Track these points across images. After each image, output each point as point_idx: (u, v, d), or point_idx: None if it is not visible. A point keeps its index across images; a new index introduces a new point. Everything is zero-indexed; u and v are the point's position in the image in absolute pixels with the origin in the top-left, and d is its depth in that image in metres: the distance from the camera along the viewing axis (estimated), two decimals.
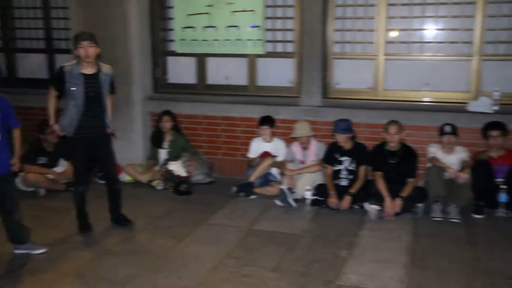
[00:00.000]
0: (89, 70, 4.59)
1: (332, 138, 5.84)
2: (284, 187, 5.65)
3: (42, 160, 6.21)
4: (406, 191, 5.28)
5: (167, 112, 6.49)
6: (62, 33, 7.39)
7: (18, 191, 5.85)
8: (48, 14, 7.38)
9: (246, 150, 6.40)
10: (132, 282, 3.93)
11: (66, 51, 7.27)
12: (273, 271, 4.11)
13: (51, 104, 4.72)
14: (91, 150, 4.75)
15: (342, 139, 5.57)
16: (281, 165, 5.97)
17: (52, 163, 6.27)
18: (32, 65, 7.69)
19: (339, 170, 5.67)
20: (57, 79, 4.59)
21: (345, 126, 5.59)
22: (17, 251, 4.43)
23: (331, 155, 5.71)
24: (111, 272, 4.10)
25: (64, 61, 7.17)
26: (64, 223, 5.09)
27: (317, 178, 5.81)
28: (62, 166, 6.31)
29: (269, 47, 6.58)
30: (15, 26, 7.61)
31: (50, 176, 6.16)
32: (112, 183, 4.96)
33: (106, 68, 4.72)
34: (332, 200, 5.45)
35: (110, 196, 5.01)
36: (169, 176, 6.21)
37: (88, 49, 4.49)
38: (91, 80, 4.59)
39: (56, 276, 4.02)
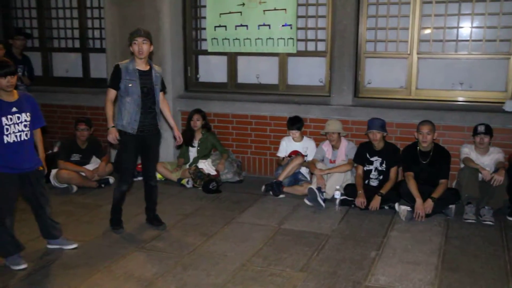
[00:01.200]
0: (143, 67, 4.64)
1: (364, 137, 5.77)
2: (313, 186, 5.61)
3: (75, 157, 6.33)
4: (438, 192, 5.18)
5: (198, 111, 6.53)
6: (96, 32, 7.51)
7: (51, 187, 6.02)
8: (83, 14, 7.52)
9: (276, 149, 6.39)
10: (161, 279, 3.96)
11: (100, 50, 7.40)
12: (301, 271, 4.08)
13: (110, 107, 4.66)
14: (140, 147, 4.76)
15: (377, 137, 5.49)
16: (310, 164, 5.94)
17: (85, 160, 6.38)
18: (66, 64, 7.85)
19: (369, 170, 5.60)
20: (115, 77, 4.60)
21: (381, 123, 5.52)
22: (49, 246, 4.53)
23: (362, 155, 5.64)
24: (141, 268, 4.15)
25: (97, 60, 7.42)
26: (95, 220, 5.17)
27: (346, 178, 5.76)
28: (95, 164, 6.42)
29: (300, 46, 6.54)
30: (51, 26, 7.77)
31: (82, 173, 6.27)
32: (148, 179, 4.98)
33: (157, 67, 4.80)
34: (361, 200, 5.39)
35: (147, 194, 5.04)
36: (198, 174, 6.24)
37: (142, 46, 4.53)
38: (145, 77, 4.64)
39: (87, 271, 4.09)
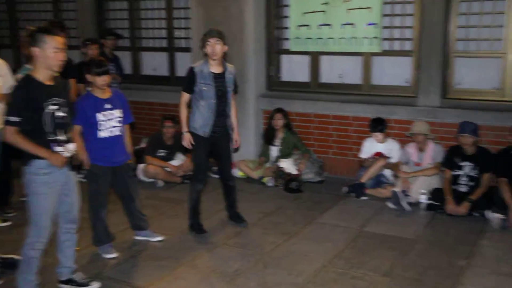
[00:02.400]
0: (217, 69, 4.62)
1: (452, 140, 5.53)
2: (397, 189, 5.46)
3: (161, 153, 6.54)
4: None
5: (280, 110, 6.54)
6: (183, 32, 7.72)
7: (139, 181, 6.25)
8: (170, 15, 7.75)
9: (358, 150, 6.27)
10: (242, 275, 4.01)
11: (186, 50, 7.60)
12: (384, 276, 3.98)
13: (184, 111, 4.68)
14: (212, 147, 4.80)
15: (469, 142, 5.23)
16: (394, 166, 5.77)
17: (170, 156, 6.58)
18: (154, 63, 8.13)
19: (458, 176, 5.36)
20: (190, 81, 4.60)
21: (473, 127, 5.27)
22: (137, 237, 4.72)
23: (450, 159, 5.41)
24: (223, 264, 4.22)
25: (183, 59, 7.63)
26: (179, 214, 5.31)
27: (433, 181, 5.55)
28: (179, 160, 6.60)
29: (386, 45, 6.38)
30: (141, 27, 8.08)
31: (168, 168, 6.46)
32: (226, 180, 5.03)
33: (230, 67, 4.77)
34: (450, 206, 5.17)
35: (225, 193, 5.10)
36: (279, 173, 6.26)
37: (215, 47, 4.50)
38: (220, 79, 4.63)
39: (172, 264, 4.22)
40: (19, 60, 8.90)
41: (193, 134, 4.68)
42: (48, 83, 3.43)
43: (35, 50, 3.34)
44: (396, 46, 6.40)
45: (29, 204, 3.48)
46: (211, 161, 5.05)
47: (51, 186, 3.47)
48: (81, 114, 4.10)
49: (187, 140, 4.68)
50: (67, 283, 3.82)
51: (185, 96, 4.67)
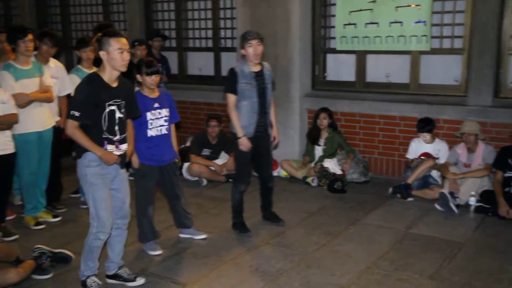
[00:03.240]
0: (255, 68, 4.63)
1: (504, 141, 5.34)
2: (445, 191, 5.31)
3: (206, 152, 6.61)
4: None
5: (325, 109, 6.49)
6: (228, 32, 7.78)
7: (183, 180, 6.34)
8: (216, 15, 7.82)
9: (405, 150, 6.14)
10: (285, 275, 4.00)
11: (231, 49, 7.65)
12: (430, 279, 3.89)
13: (235, 115, 4.59)
14: (254, 147, 4.77)
15: None
16: (442, 167, 5.62)
17: (215, 155, 6.64)
18: (200, 63, 8.22)
19: (510, 178, 5.16)
20: (233, 81, 4.57)
21: None
22: (181, 235, 4.78)
23: (503, 160, 5.21)
24: (266, 263, 4.22)
25: (228, 59, 7.68)
26: (223, 213, 5.34)
27: (483, 183, 5.37)
28: (223, 159, 6.65)
29: (435, 44, 6.23)
30: (187, 27, 8.19)
31: (212, 167, 6.52)
32: (266, 181, 5.01)
33: (266, 65, 4.78)
34: (504, 209, 4.98)
35: (263, 193, 5.09)
36: (323, 173, 6.21)
37: (257, 48, 4.51)
38: (259, 78, 4.63)
39: (215, 262, 4.25)
40: (71, 61, 9.21)
41: (235, 136, 4.66)
42: (112, 84, 3.59)
43: (103, 54, 3.50)
44: (446, 44, 6.23)
45: (87, 196, 3.65)
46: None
47: (103, 177, 3.61)
48: None
49: (245, 145, 4.62)
50: (113, 277, 3.92)
51: (232, 98, 4.60)
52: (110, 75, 3.57)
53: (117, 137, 3.64)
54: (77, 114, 3.46)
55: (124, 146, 3.70)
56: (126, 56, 3.54)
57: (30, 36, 4.76)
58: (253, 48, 4.51)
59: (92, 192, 3.60)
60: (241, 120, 4.62)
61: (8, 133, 4.59)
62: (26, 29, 4.79)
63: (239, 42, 4.63)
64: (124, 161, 3.73)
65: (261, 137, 4.77)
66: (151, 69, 4.21)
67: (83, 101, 3.49)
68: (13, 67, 4.77)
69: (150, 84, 4.24)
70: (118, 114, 3.62)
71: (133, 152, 4.01)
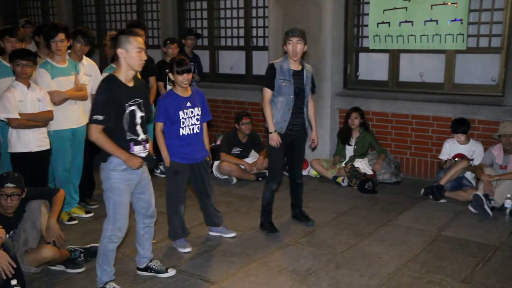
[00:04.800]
0: (295, 67, 4.61)
1: None
2: (479, 193, 5.19)
3: (236, 150, 6.62)
4: None
5: (356, 109, 6.43)
6: (260, 31, 7.78)
7: (213, 178, 6.37)
8: (248, 14, 7.83)
9: (438, 151, 6.04)
10: (314, 275, 3.97)
11: (262, 48, 7.65)
12: (463, 283, 3.81)
13: (269, 109, 4.58)
14: (288, 146, 4.77)
15: None
16: (477, 169, 5.49)
17: (245, 154, 6.65)
18: (231, 62, 8.25)
19: None
20: (271, 77, 4.55)
21: None
22: (211, 233, 4.80)
23: None
24: (294, 262, 4.20)
25: (259, 58, 7.68)
26: (252, 211, 5.35)
27: None
28: (253, 157, 6.65)
29: (471, 42, 6.09)
30: (219, 26, 8.23)
31: (242, 166, 6.53)
32: (295, 177, 5.00)
33: (308, 66, 4.75)
34: None
35: (293, 191, 5.08)
36: (354, 173, 6.15)
37: (296, 46, 4.48)
38: (297, 77, 4.61)
39: (244, 260, 4.26)
40: (106, 60, 9.36)
41: (268, 130, 4.67)
42: (129, 84, 3.58)
43: (121, 52, 3.50)
44: (483, 43, 6.09)
45: (106, 199, 3.63)
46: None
47: (127, 183, 3.61)
48: (163, 111, 4.24)
49: (275, 140, 4.61)
50: (145, 270, 3.98)
51: (268, 93, 4.60)
52: (126, 75, 3.55)
53: (141, 136, 3.64)
54: (100, 118, 3.44)
55: (148, 145, 3.71)
56: (144, 56, 3.55)
57: (61, 36, 4.79)
58: (292, 46, 4.49)
59: (114, 196, 3.58)
60: (275, 115, 4.62)
61: (43, 130, 4.71)
62: (57, 29, 4.83)
63: (283, 38, 4.61)
64: (151, 160, 3.74)
65: (298, 137, 4.76)
66: (182, 67, 4.23)
67: (104, 103, 3.46)
68: (50, 65, 4.87)
69: (181, 83, 4.27)
70: (139, 114, 3.61)
71: (164, 148, 4.03)
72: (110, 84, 3.54)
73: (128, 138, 3.57)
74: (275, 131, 4.61)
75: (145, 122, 3.71)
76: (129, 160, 3.53)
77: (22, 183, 3.88)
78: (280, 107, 4.61)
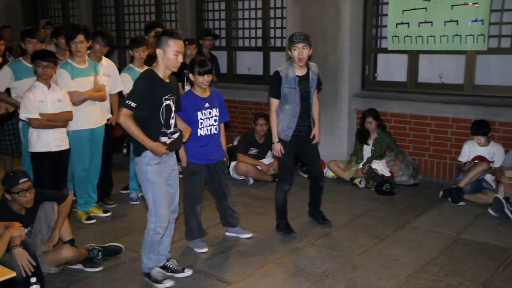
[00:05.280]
0: (301, 72, 4.58)
1: None
2: (500, 195, 5.12)
3: (253, 151, 6.62)
4: None
5: (370, 112, 6.33)
6: (278, 31, 7.77)
7: (230, 178, 6.38)
8: (266, 14, 7.82)
9: (457, 153, 5.97)
10: (330, 277, 3.96)
11: (280, 49, 7.64)
12: (483, 286, 3.77)
13: (275, 119, 4.59)
14: (297, 147, 4.77)
15: None
16: (497, 171, 5.41)
17: (262, 155, 6.64)
18: (249, 62, 8.25)
19: None
20: (277, 86, 4.54)
21: None
22: (227, 233, 4.81)
23: None
24: (311, 264, 4.19)
25: (277, 58, 7.67)
26: (269, 212, 5.33)
27: None
28: (270, 158, 6.65)
29: (492, 43, 6.01)
30: (237, 27, 8.24)
31: (259, 166, 6.53)
32: (317, 180, 4.98)
33: (313, 67, 4.69)
34: None
35: (312, 192, 5.06)
36: (372, 174, 6.10)
37: (302, 52, 4.44)
38: (303, 82, 4.59)
39: (260, 261, 4.25)
40: (124, 60, 9.44)
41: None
42: (166, 80, 3.73)
43: (159, 52, 3.62)
44: (505, 43, 6.00)
45: (145, 192, 3.75)
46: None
47: (162, 175, 3.74)
48: (182, 111, 4.24)
49: (277, 150, 4.64)
50: (162, 269, 4.00)
51: (275, 103, 4.59)
52: (163, 72, 3.69)
53: (171, 129, 3.76)
54: (133, 104, 3.57)
55: (176, 135, 3.78)
56: (180, 59, 3.65)
57: (80, 37, 4.83)
58: (298, 52, 4.44)
59: (152, 189, 3.71)
60: (282, 123, 4.62)
61: (63, 130, 4.76)
62: (77, 30, 4.87)
63: (287, 43, 4.57)
64: (176, 145, 3.82)
65: (306, 137, 4.75)
66: (203, 68, 4.23)
67: (141, 93, 3.62)
68: (70, 65, 4.93)
69: (201, 84, 4.27)
70: (173, 108, 3.76)
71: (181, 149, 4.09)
72: (149, 77, 3.68)
73: (162, 130, 3.69)
74: (278, 141, 4.62)
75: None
76: (154, 148, 3.64)
77: (29, 175, 3.95)
78: (286, 115, 4.61)
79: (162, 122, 3.68)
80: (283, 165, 4.80)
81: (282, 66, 4.63)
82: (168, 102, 3.70)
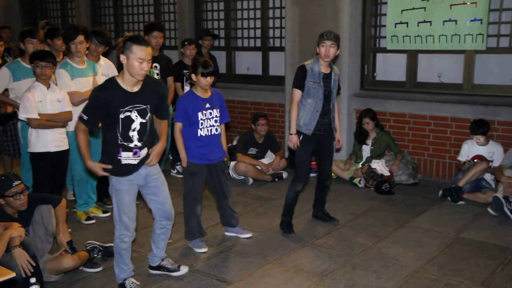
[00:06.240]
0: (325, 69, 4.63)
1: None
2: (499, 195, 5.13)
3: (252, 151, 6.62)
4: None
5: (367, 113, 6.33)
6: (277, 31, 7.77)
7: (230, 179, 6.37)
8: (265, 14, 7.82)
9: (456, 152, 5.97)
10: (330, 276, 3.96)
11: (279, 49, 7.64)
12: (482, 286, 3.76)
13: (295, 111, 4.62)
14: (316, 146, 4.77)
15: None
16: (497, 170, 5.42)
17: (261, 154, 6.64)
18: (248, 62, 8.25)
19: None
20: (302, 78, 4.57)
21: None
22: (227, 233, 4.81)
23: None
24: (311, 263, 4.19)
25: (276, 58, 7.68)
26: (268, 212, 5.35)
27: None
28: (269, 158, 6.65)
29: (491, 42, 6.01)
30: (236, 27, 8.24)
31: (258, 166, 6.53)
32: (324, 179, 4.99)
33: (336, 70, 4.76)
34: None
35: (318, 191, 5.07)
36: (371, 174, 6.11)
37: (329, 49, 4.49)
38: (327, 79, 4.63)
39: (260, 261, 4.25)
40: None
41: (297, 132, 4.68)
42: (132, 89, 3.47)
43: (123, 58, 3.40)
44: (503, 43, 6.01)
45: (112, 200, 3.69)
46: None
47: (128, 183, 3.61)
48: (182, 112, 4.25)
49: (293, 142, 4.64)
50: (157, 269, 4.01)
51: (298, 94, 4.62)
52: (128, 81, 3.44)
53: (135, 143, 3.52)
54: (85, 117, 3.43)
55: (144, 152, 3.59)
56: (145, 67, 3.37)
57: (80, 38, 4.83)
58: (325, 49, 4.50)
59: (116, 196, 3.62)
60: (303, 117, 4.64)
61: (62, 130, 4.76)
62: (76, 30, 4.86)
63: (317, 40, 4.60)
64: (140, 165, 3.61)
65: (325, 136, 4.77)
66: (207, 70, 4.21)
67: (93, 105, 3.44)
68: (70, 66, 4.93)
69: (204, 85, 4.26)
70: (138, 120, 3.49)
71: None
72: (104, 88, 3.49)
73: (119, 143, 3.50)
74: (296, 133, 4.63)
75: (151, 128, 3.60)
76: (89, 167, 3.57)
77: (20, 178, 3.92)
78: (308, 109, 4.62)
79: (118, 135, 3.46)
80: (299, 165, 4.80)
81: (309, 61, 4.68)
82: (128, 114, 3.43)
